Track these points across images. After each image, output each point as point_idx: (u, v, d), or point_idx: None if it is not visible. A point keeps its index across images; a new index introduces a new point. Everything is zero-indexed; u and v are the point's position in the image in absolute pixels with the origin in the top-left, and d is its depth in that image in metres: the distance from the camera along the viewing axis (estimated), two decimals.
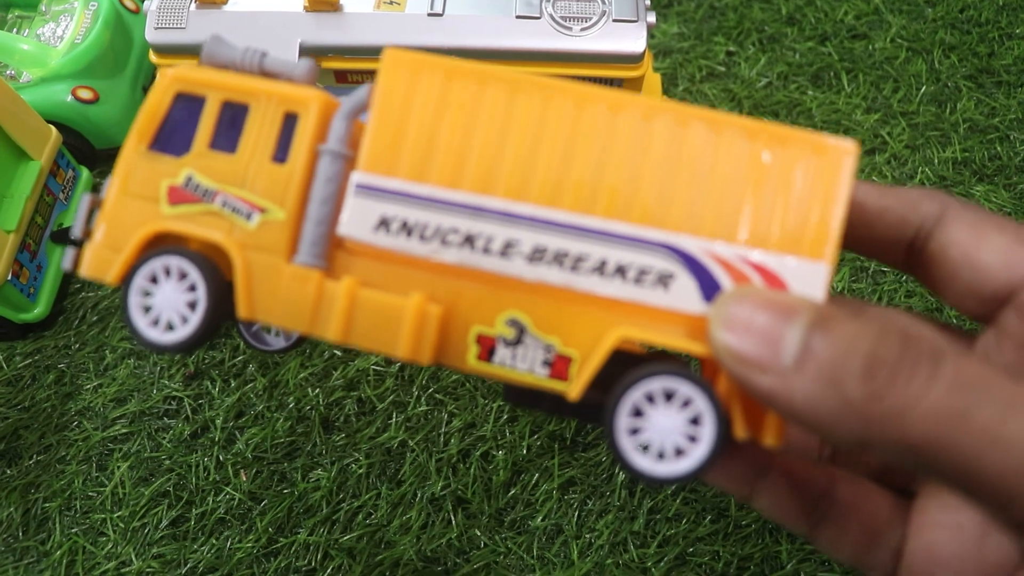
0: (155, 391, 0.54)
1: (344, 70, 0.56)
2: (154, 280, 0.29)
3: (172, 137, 0.30)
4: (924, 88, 0.68)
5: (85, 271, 0.29)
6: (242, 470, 0.51)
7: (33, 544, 0.49)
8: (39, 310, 0.55)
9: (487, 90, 0.28)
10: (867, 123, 0.65)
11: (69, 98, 0.58)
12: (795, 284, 0.27)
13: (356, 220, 0.28)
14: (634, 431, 0.27)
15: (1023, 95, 0.68)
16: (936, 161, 0.64)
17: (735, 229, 0.27)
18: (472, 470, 0.51)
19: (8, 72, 0.58)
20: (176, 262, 0.29)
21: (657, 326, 0.28)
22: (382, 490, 0.50)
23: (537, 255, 0.28)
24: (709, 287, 0.27)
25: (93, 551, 0.49)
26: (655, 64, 0.67)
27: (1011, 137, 0.65)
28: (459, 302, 0.28)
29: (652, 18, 0.54)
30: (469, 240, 0.28)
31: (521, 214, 0.28)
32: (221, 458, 0.51)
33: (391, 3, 0.55)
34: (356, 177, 0.28)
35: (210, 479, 0.51)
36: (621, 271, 0.28)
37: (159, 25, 0.55)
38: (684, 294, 0.27)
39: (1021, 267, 0.27)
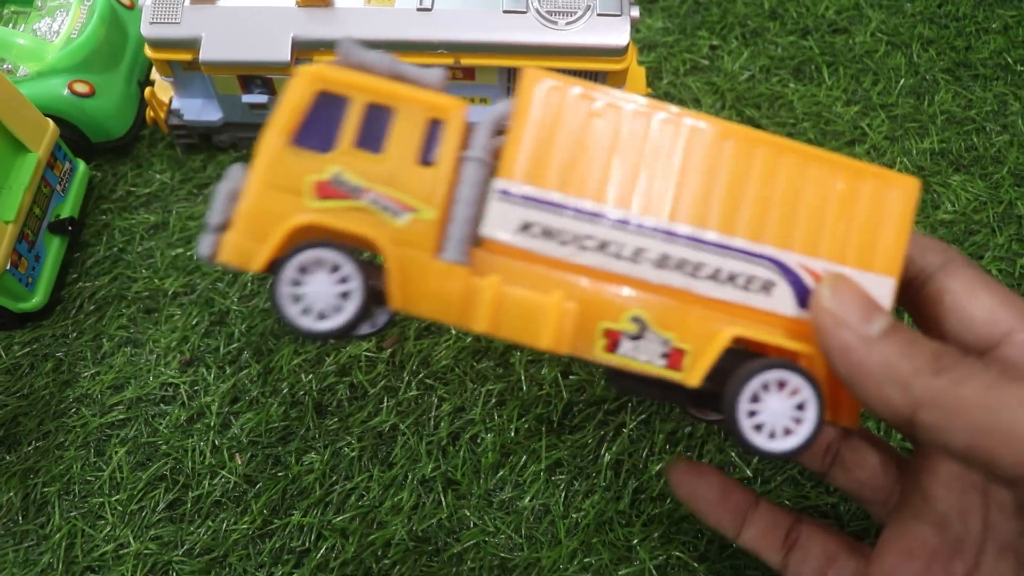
0: (151, 378, 0.55)
1: None
2: (303, 271, 0.30)
3: (315, 133, 0.31)
4: (903, 81, 0.69)
5: (227, 258, 0.30)
6: (237, 454, 0.52)
7: (33, 528, 0.50)
8: (37, 299, 0.56)
9: (618, 112, 0.32)
10: (847, 115, 0.67)
11: (65, 92, 0.59)
12: (871, 293, 0.32)
13: (499, 222, 0.32)
14: (751, 414, 0.32)
15: (999, 88, 0.69)
16: (914, 152, 0.65)
17: (821, 246, 0.33)
18: (462, 452, 0.52)
19: (5, 66, 0.59)
20: (330, 255, 0.30)
21: (760, 326, 0.33)
22: (374, 472, 0.52)
23: (663, 261, 0.32)
24: (802, 294, 0.33)
25: (92, 534, 0.50)
26: (640, 58, 0.68)
27: (987, 128, 0.67)
28: (589, 299, 0.32)
29: (636, 12, 0.56)
30: (603, 246, 0.32)
31: (651, 226, 0.32)
32: (217, 442, 0.53)
33: None
34: (500, 184, 0.32)
35: (206, 463, 0.52)
36: (732, 278, 0.33)
37: (154, 20, 0.56)
38: (783, 299, 0.33)
39: (1002, 325, 0.32)
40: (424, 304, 0.31)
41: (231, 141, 0.63)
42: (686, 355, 0.33)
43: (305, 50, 0.56)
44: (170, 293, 0.58)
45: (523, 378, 0.54)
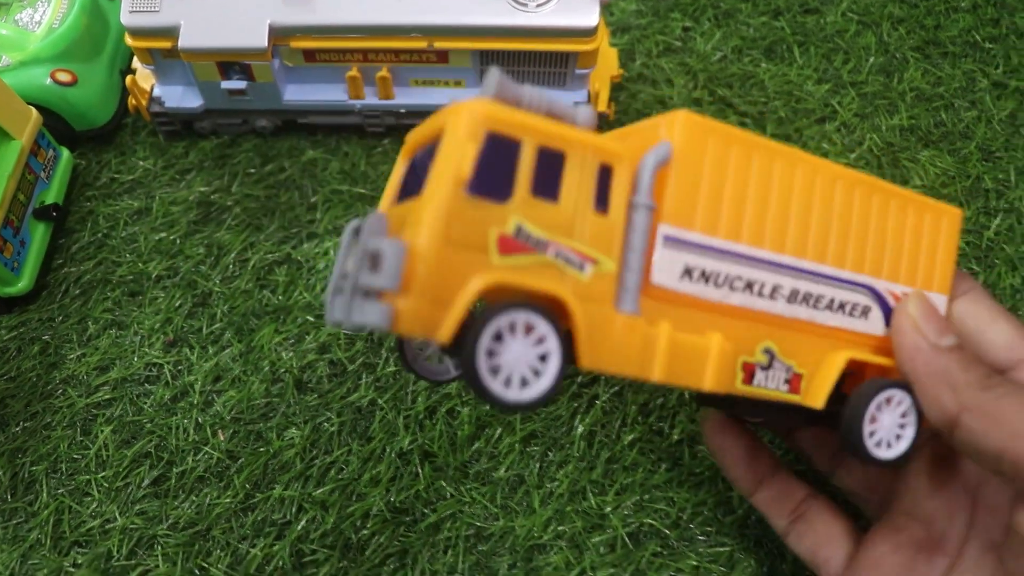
0: (136, 359, 0.56)
1: (313, 49, 0.58)
2: (499, 338, 0.28)
3: (490, 180, 0.28)
4: (873, 59, 0.70)
5: (407, 328, 0.27)
6: (220, 431, 0.54)
7: (21, 505, 0.52)
8: (23, 284, 0.57)
9: (757, 159, 0.33)
10: (818, 93, 0.68)
11: (48, 81, 0.61)
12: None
13: (666, 269, 0.32)
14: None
15: (967, 65, 0.70)
16: (884, 128, 0.66)
17: (900, 272, 0.37)
18: (438, 426, 0.53)
19: None
20: (524, 316, 0.28)
21: (859, 346, 0.37)
22: (353, 446, 0.53)
23: (794, 295, 0.35)
24: (888, 315, 0.37)
25: (79, 510, 0.52)
26: (614, 40, 0.69)
27: (955, 105, 0.68)
28: (738, 337, 0.34)
29: None
30: (749, 286, 0.34)
31: (784, 263, 0.34)
32: (200, 420, 0.54)
33: None
34: (665, 230, 0.31)
35: (189, 440, 0.53)
36: (842, 306, 0.36)
37: (134, 8, 0.57)
38: (876, 322, 0.37)
39: (1018, 352, 0.37)
40: (608, 359, 0.30)
41: (212, 128, 0.64)
42: (803, 378, 0.36)
43: (282, 36, 0.57)
44: (153, 276, 0.59)
45: None
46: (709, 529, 0.51)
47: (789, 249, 0.34)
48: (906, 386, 0.36)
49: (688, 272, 0.32)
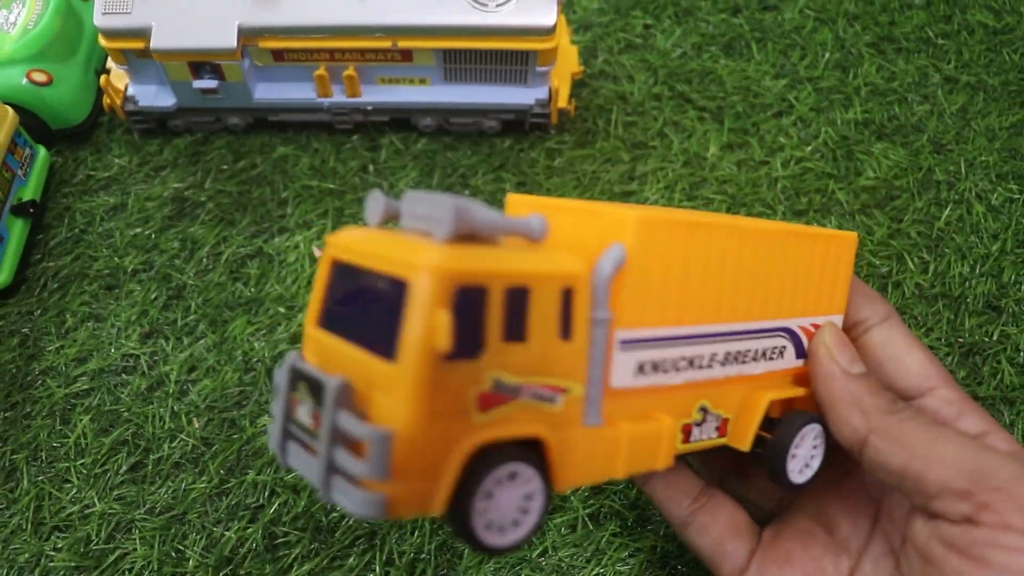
0: (113, 350, 0.58)
1: (281, 49, 0.60)
2: (488, 494, 0.27)
3: (463, 339, 0.26)
4: (829, 55, 0.73)
5: (404, 513, 0.26)
6: (195, 418, 0.55)
7: (2, 492, 0.53)
8: (2, 278, 0.59)
9: (699, 238, 0.34)
10: (775, 88, 0.70)
11: (24, 81, 0.62)
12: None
13: (623, 373, 0.32)
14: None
15: (920, 60, 0.73)
16: (839, 122, 0.69)
17: (807, 306, 0.40)
18: None
19: None
20: (507, 469, 0.28)
21: (777, 381, 0.40)
22: None
23: (727, 358, 0.36)
24: (800, 348, 0.40)
25: (59, 496, 0.53)
26: (576, 37, 0.71)
27: (908, 99, 0.70)
28: (680, 410, 0.35)
29: None
30: (691, 362, 0.35)
31: (721, 332, 0.36)
32: (176, 408, 0.56)
33: None
34: (621, 335, 0.31)
35: (166, 428, 0.55)
36: (764, 353, 0.38)
37: (106, 10, 0.59)
38: (789, 357, 0.40)
39: (931, 380, 0.40)
40: (578, 476, 0.31)
41: (186, 126, 0.66)
42: (728, 422, 0.38)
43: (251, 36, 0.59)
44: (129, 270, 0.61)
45: None
46: None
47: (724, 317, 0.36)
48: (818, 418, 0.39)
49: (641, 368, 0.32)
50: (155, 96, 0.63)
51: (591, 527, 0.52)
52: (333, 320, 0.30)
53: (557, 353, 0.29)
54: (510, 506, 0.28)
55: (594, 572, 0.51)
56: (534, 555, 0.51)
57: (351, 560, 0.51)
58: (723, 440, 0.38)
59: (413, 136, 0.67)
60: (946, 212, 0.65)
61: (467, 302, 0.26)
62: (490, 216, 0.27)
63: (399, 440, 0.25)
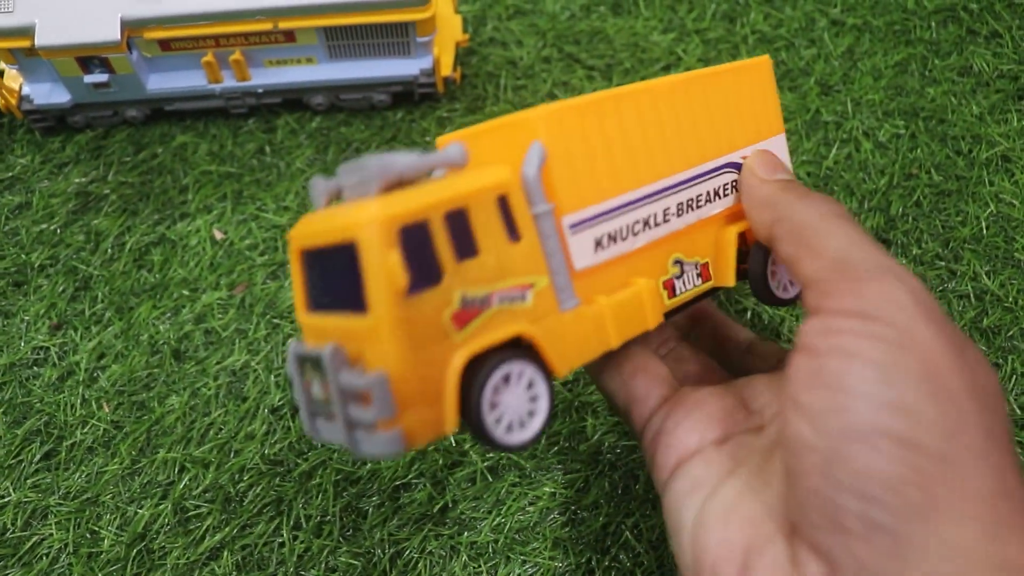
0: (23, 344, 0.60)
1: (166, 39, 0.61)
2: (495, 399, 0.31)
3: (420, 272, 0.29)
4: (716, 6, 0.74)
5: (421, 442, 0.29)
6: (105, 403, 0.57)
7: None
8: None
9: (607, 112, 0.36)
10: (663, 43, 0.71)
11: None
12: (778, 152, 0.43)
13: (582, 253, 0.35)
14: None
15: (807, 6, 0.74)
16: None
17: (743, 136, 0.41)
18: None
19: None
20: (501, 372, 0.31)
21: (735, 217, 0.42)
22: (229, 407, 0.57)
23: (681, 208, 0.39)
24: None
25: None
26: (466, 6, 0.73)
27: (795, 44, 0.72)
28: (654, 269, 0.38)
29: None
30: (646, 223, 0.37)
31: (664, 187, 0.38)
32: (86, 395, 0.58)
33: None
34: (568, 220, 0.34)
35: (77, 415, 0.57)
36: (717, 193, 0.40)
37: None
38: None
39: None
40: (572, 358, 0.34)
41: (86, 121, 0.67)
42: (708, 265, 0.41)
43: (135, 28, 0.60)
44: (36, 266, 0.62)
45: None
46: (564, 458, 0.55)
47: (662, 172, 0.38)
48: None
49: (599, 243, 0.35)
50: (50, 93, 0.64)
51: (490, 478, 0.54)
52: (315, 302, 0.33)
53: (512, 255, 0.32)
54: (519, 403, 0.32)
55: (495, 522, 0.53)
56: (435, 509, 0.53)
57: (259, 527, 0.53)
58: (709, 283, 0.41)
59: (308, 115, 0.68)
60: (833, 151, 0.66)
61: (413, 238, 0.29)
62: (410, 159, 0.31)
63: (393, 378, 0.28)
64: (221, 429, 0.56)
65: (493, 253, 0.32)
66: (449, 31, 0.66)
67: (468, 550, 0.52)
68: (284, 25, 0.61)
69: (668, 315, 0.39)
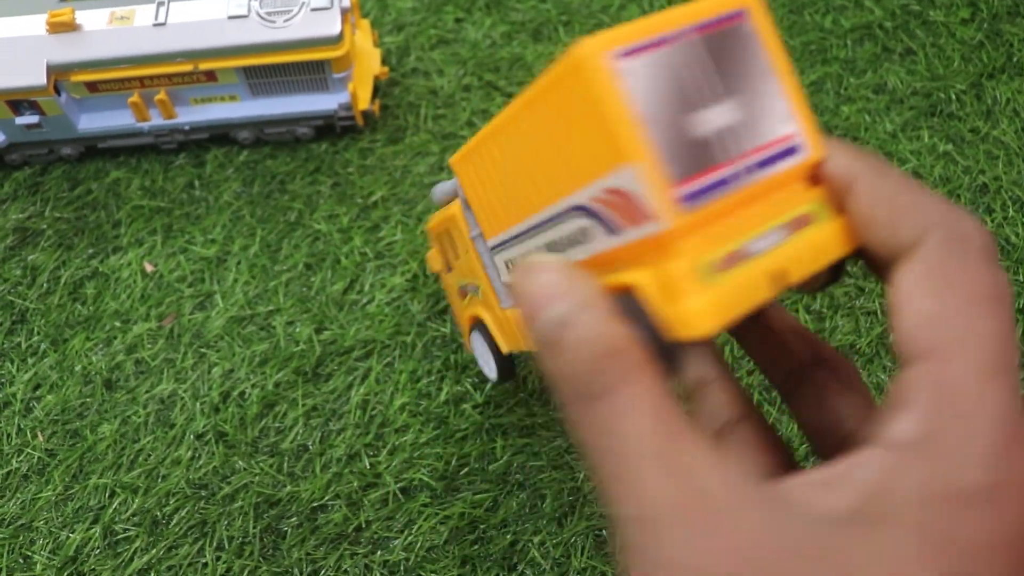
0: None
1: (94, 81, 0.64)
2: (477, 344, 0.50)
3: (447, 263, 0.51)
4: None
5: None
6: (39, 432, 0.60)
7: None
8: None
9: (485, 151, 0.36)
10: None
11: None
12: (636, 189, 0.26)
13: (503, 269, 0.41)
14: None
15: None
16: None
17: (583, 173, 0.28)
18: (230, 408, 0.60)
19: None
20: (476, 334, 0.49)
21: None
22: (157, 433, 0.60)
23: (551, 248, 0.33)
24: (606, 224, 0.28)
25: None
26: (389, 38, 0.75)
27: None
28: None
29: (346, 2, 0.63)
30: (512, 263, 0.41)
31: (523, 230, 0.35)
32: (21, 425, 0.60)
33: (121, 19, 0.63)
34: (490, 243, 0.40)
35: (13, 444, 0.60)
36: (571, 241, 0.31)
37: None
38: (599, 236, 0.29)
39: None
40: (511, 342, 0.45)
41: (22, 159, 0.70)
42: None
43: (61, 72, 0.63)
44: None
45: (282, 337, 0.62)
46: (474, 478, 0.58)
47: (524, 213, 0.34)
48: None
49: (508, 265, 0.40)
50: None
51: (402, 499, 0.57)
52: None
53: (467, 263, 0.45)
54: (484, 350, 0.48)
55: (407, 541, 0.56)
56: (350, 529, 0.56)
57: (184, 548, 0.56)
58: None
59: (236, 149, 0.71)
60: None
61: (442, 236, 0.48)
62: (445, 187, 0.45)
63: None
64: (150, 455, 0.59)
65: (463, 260, 0.46)
66: (367, 65, 0.68)
67: (381, 568, 0.55)
68: (204, 66, 0.63)
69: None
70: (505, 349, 0.45)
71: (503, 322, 0.44)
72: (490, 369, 0.49)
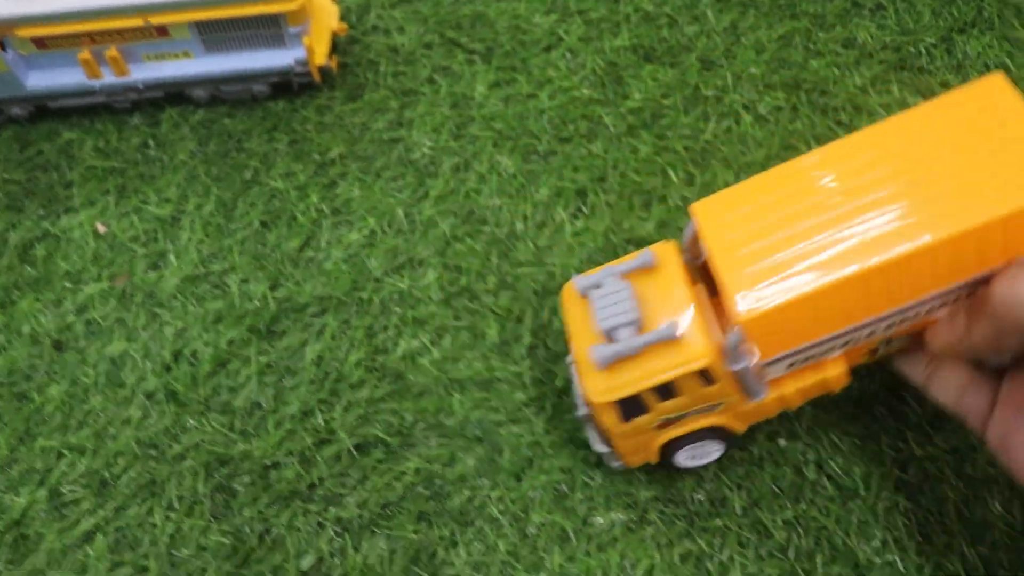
0: None
1: (41, 37, 0.63)
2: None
3: (630, 410, 0.46)
4: None
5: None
6: None
7: None
8: None
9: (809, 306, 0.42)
10: (545, 24, 0.72)
11: None
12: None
13: (775, 371, 0.47)
14: None
15: None
16: (607, 50, 0.71)
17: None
18: (182, 366, 0.58)
19: None
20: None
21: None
22: (107, 393, 0.58)
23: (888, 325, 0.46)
24: None
25: None
26: None
27: (679, 21, 0.73)
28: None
29: None
30: (845, 343, 0.47)
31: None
32: None
33: None
34: (763, 361, 0.45)
35: None
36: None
37: None
38: None
39: None
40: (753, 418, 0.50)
41: None
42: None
43: (7, 26, 0.62)
44: None
45: (237, 295, 0.61)
46: (430, 433, 0.56)
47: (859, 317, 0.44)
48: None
49: (791, 364, 0.46)
50: None
51: (357, 456, 0.56)
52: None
53: (705, 394, 0.46)
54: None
55: (362, 498, 0.54)
56: (302, 486, 0.55)
57: (132, 509, 0.55)
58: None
59: (191, 108, 0.69)
60: (712, 124, 0.67)
61: (628, 403, 0.45)
62: (632, 343, 0.43)
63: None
64: (99, 416, 0.57)
65: (689, 395, 0.45)
66: (325, 20, 0.67)
67: (334, 525, 0.54)
68: (155, 20, 0.62)
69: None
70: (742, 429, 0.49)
71: (747, 414, 0.48)
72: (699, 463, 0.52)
